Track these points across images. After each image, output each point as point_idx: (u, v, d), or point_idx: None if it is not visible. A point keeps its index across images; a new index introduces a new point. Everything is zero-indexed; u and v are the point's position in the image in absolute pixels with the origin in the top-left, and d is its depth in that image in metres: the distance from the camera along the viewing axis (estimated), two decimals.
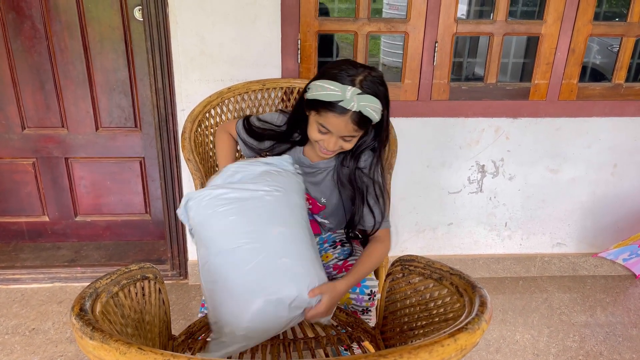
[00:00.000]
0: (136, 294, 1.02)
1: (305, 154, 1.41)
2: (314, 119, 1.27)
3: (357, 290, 1.34)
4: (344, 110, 1.19)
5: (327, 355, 1.18)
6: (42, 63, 2.02)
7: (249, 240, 1.10)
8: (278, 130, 1.42)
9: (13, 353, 1.78)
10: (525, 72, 2.15)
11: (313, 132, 1.29)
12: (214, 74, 1.86)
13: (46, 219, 2.30)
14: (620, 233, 2.23)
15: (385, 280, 1.19)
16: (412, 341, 1.02)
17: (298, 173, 1.30)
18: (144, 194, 2.27)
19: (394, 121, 1.71)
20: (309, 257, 1.14)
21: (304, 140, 1.40)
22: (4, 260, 2.21)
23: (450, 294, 0.96)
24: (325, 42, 3.04)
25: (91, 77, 2.05)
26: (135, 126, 2.15)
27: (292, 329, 1.25)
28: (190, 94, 1.88)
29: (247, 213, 1.13)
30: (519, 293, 2.18)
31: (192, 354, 1.15)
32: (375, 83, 1.22)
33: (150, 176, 2.24)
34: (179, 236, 2.13)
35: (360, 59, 1.91)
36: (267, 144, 1.43)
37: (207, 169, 1.57)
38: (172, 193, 2.05)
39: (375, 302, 1.35)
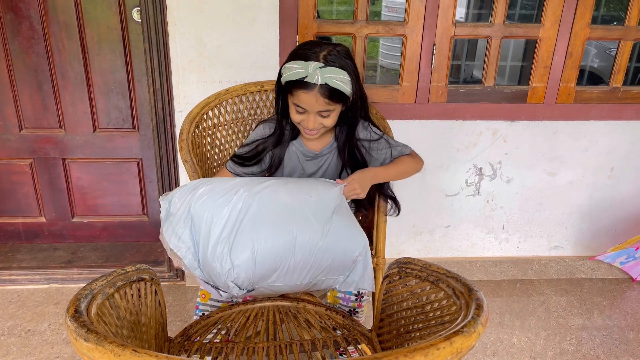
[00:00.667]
0: (132, 295, 1.01)
1: (308, 146, 1.44)
2: (291, 101, 1.32)
3: (344, 290, 1.34)
4: (310, 85, 1.24)
5: (323, 358, 1.18)
6: (40, 64, 2.01)
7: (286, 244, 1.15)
8: (268, 137, 1.45)
9: (9, 354, 1.77)
10: (523, 75, 2.16)
11: (293, 114, 1.34)
12: (212, 76, 1.85)
13: (43, 219, 2.30)
14: (617, 236, 2.23)
15: (382, 283, 1.19)
16: (408, 344, 1.02)
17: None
18: (142, 195, 2.27)
19: (391, 123, 1.71)
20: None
21: (297, 132, 1.43)
22: (0, 261, 2.21)
23: (446, 296, 0.96)
24: None
25: (89, 78, 2.05)
26: (133, 127, 2.14)
27: (289, 331, 1.24)
28: (188, 95, 1.88)
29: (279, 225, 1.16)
30: (516, 296, 2.18)
31: (188, 356, 1.15)
32: (339, 56, 1.27)
33: (147, 177, 2.23)
34: None
35: (358, 62, 1.92)
36: (266, 160, 1.45)
37: (204, 170, 1.57)
38: None
39: (363, 304, 1.34)
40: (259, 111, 1.73)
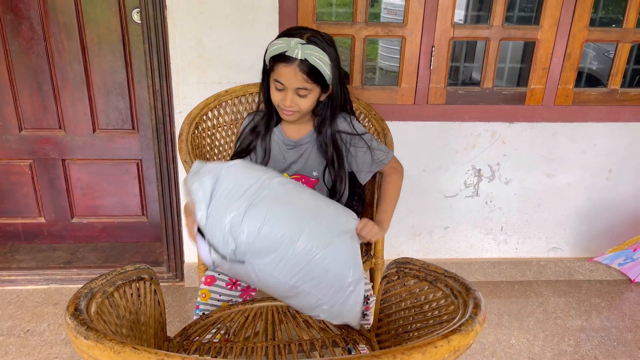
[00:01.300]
0: (131, 294, 1.02)
1: (287, 134, 1.47)
2: (272, 79, 1.36)
3: None
4: (290, 59, 1.29)
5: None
6: (40, 64, 2.02)
7: (302, 216, 1.15)
8: (254, 127, 1.49)
9: (8, 355, 1.78)
10: (522, 77, 2.17)
11: (273, 93, 1.38)
12: (212, 77, 1.86)
13: (42, 220, 2.30)
14: (616, 238, 2.24)
15: (380, 283, 1.20)
16: (407, 343, 1.02)
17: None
18: (141, 195, 2.27)
19: (390, 125, 1.72)
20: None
21: (278, 120, 1.47)
22: None
23: (444, 296, 0.96)
24: None
25: (89, 78, 2.05)
26: (133, 128, 2.15)
27: (288, 331, 1.25)
28: (187, 96, 1.88)
29: (281, 200, 1.16)
30: (515, 297, 2.19)
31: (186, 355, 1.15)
32: (322, 40, 1.32)
33: (147, 178, 2.24)
34: (175, 238, 2.13)
35: (357, 63, 1.92)
36: (259, 152, 1.48)
37: None
38: (169, 195, 2.05)
39: (371, 306, 1.35)
40: None
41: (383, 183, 1.48)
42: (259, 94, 1.48)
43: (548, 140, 2.06)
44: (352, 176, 1.50)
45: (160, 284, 1.84)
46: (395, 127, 1.77)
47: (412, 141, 2.02)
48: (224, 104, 1.68)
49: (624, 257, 2.16)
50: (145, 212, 2.31)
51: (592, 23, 1.92)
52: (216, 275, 1.36)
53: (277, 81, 1.34)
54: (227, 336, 1.24)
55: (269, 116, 1.47)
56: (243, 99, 1.70)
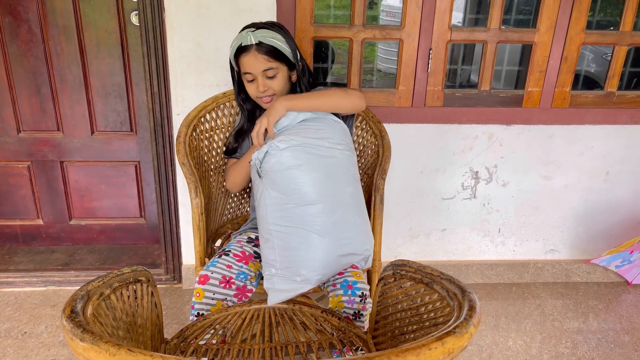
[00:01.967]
0: (128, 296, 1.02)
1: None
2: (243, 77, 1.48)
3: (349, 293, 1.34)
4: (247, 47, 1.41)
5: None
6: (38, 67, 2.02)
7: (330, 196, 1.31)
8: (240, 126, 1.60)
9: (5, 357, 1.78)
10: (519, 80, 2.17)
11: (248, 89, 1.49)
12: (210, 79, 1.87)
13: (40, 222, 2.30)
14: (613, 240, 2.24)
15: (377, 285, 1.20)
16: (402, 345, 1.03)
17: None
18: (139, 198, 2.28)
19: (388, 127, 1.72)
20: (366, 214, 1.42)
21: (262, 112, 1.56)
22: None
23: (440, 298, 0.97)
24: (322, 48, 3.06)
25: (87, 81, 2.06)
26: (131, 130, 2.15)
27: (285, 333, 1.25)
28: (185, 98, 1.89)
29: (327, 170, 1.32)
30: (512, 299, 2.19)
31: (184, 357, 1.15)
32: (272, 25, 1.46)
33: (145, 180, 2.24)
34: (173, 240, 2.13)
35: (355, 66, 1.93)
36: (247, 140, 1.59)
37: (201, 173, 1.58)
38: (167, 197, 2.05)
39: (368, 306, 1.35)
40: None
41: None
42: (235, 95, 1.60)
43: (545, 143, 2.07)
44: None
45: (158, 285, 1.84)
46: (393, 130, 1.78)
47: (410, 143, 2.03)
48: (221, 106, 1.68)
49: (621, 259, 2.17)
50: (143, 214, 2.31)
51: (589, 26, 1.93)
52: (209, 274, 1.37)
53: (246, 73, 1.45)
54: (224, 338, 1.24)
55: (245, 112, 1.59)
56: None
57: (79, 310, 0.79)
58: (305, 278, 1.29)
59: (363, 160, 1.70)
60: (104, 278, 0.95)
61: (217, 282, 1.36)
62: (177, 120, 1.91)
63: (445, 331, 0.71)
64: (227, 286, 1.37)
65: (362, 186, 1.56)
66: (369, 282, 1.59)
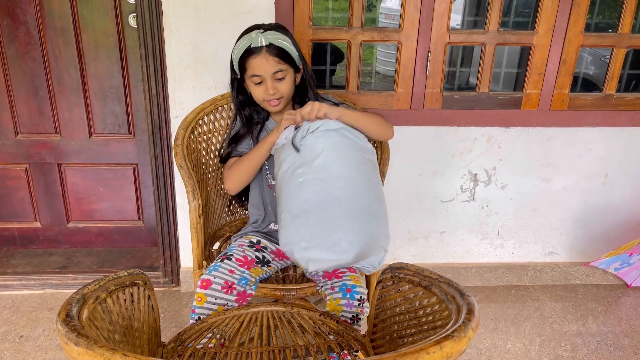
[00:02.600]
0: (125, 300, 1.01)
1: (276, 122, 1.55)
2: (248, 79, 1.45)
3: (348, 296, 1.34)
4: (257, 49, 1.39)
5: None
6: (36, 69, 2.02)
7: (370, 188, 1.34)
8: (239, 128, 1.58)
9: None
10: (518, 82, 2.17)
11: (254, 92, 1.47)
12: (208, 82, 1.86)
13: (38, 225, 2.29)
14: (612, 242, 2.24)
15: (375, 288, 1.19)
16: (401, 349, 1.02)
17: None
18: (137, 200, 2.27)
19: None
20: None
21: (266, 117, 1.57)
22: None
23: (439, 301, 0.96)
24: (321, 51, 3.06)
25: (85, 83, 2.05)
26: (129, 132, 2.15)
27: (283, 336, 1.25)
28: (183, 101, 1.88)
29: (367, 168, 1.35)
30: (511, 302, 2.18)
31: None
32: (277, 26, 1.45)
33: (143, 183, 2.23)
34: (171, 243, 2.13)
35: (353, 68, 1.93)
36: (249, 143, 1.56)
37: (199, 176, 1.57)
38: (165, 200, 2.05)
39: (365, 310, 1.35)
40: None
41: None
42: (233, 101, 1.58)
43: (544, 145, 2.07)
44: None
45: (156, 288, 1.83)
46: None
47: (408, 146, 2.02)
48: (220, 108, 1.68)
49: (620, 261, 2.16)
50: (141, 216, 2.31)
51: (588, 28, 1.93)
52: (212, 278, 1.36)
53: (254, 75, 1.42)
54: (222, 341, 1.23)
55: (242, 120, 1.56)
56: None
57: (74, 314, 0.78)
58: (344, 249, 1.26)
59: None
60: (101, 281, 0.95)
61: (219, 287, 1.36)
62: (175, 122, 1.90)
63: (443, 335, 0.71)
64: (229, 291, 1.36)
65: None
66: (367, 285, 1.59)
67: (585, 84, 3.18)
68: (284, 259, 1.55)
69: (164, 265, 2.17)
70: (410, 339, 1.03)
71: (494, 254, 2.26)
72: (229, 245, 1.57)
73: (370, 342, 1.22)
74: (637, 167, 2.13)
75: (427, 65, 1.92)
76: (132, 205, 2.28)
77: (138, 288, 1.06)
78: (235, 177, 1.52)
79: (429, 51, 1.90)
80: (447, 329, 0.75)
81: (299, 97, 1.56)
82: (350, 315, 1.34)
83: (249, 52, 1.40)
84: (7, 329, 1.92)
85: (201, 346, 1.20)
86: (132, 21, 1.95)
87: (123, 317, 0.99)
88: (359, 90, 1.97)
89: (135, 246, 2.36)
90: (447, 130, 2.02)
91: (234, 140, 1.56)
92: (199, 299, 1.36)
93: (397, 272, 1.13)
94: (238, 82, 1.52)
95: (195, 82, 1.86)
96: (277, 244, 1.47)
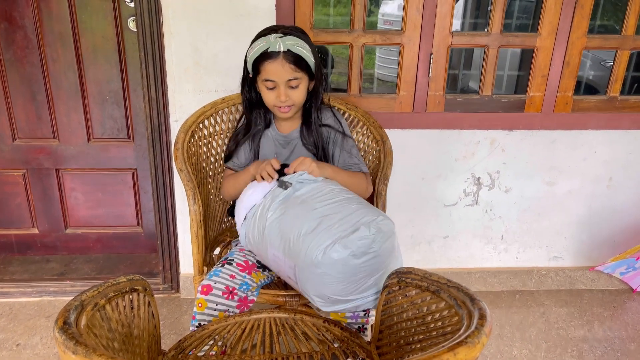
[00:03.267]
0: (124, 307, 0.98)
1: (280, 130, 1.54)
2: (261, 82, 1.41)
3: None
4: (274, 54, 1.34)
5: None
6: (34, 73, 2.00)
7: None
8: (242, 129, 1.55)
9: None
10: (521, 85, 2.15)
11: (265, 95, 1.43)
12: (208, 85, 1.84)
13: (36, 231, 2.26)
14: (617, 246, 2.21)
15: (381, 294, 1.17)
16: (408, 356, 0.99)
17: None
18: (136, 205, 2.24)
19: (389, 133, 1.70)
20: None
21: (269, 120, 1.54)
22: None
23: (448, 307, 0.93)
24: (320, 55, 3.04)
25: (84, 87, 2.03)
26: (128, 137, 2.12)
27: (286, 344, 1.22)
28: (183, 104, 1.86)
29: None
30: (516, 307, 2.15)
31: None
32: (296, 30, 1.41)
33: (142, 188, 2.21)
34: (171, 249, 2.10)
35: (355, 71, 1.91)
36: (247, 151, 1.54)
37: (199, 180, 1.55)
38: (165, 205, 2.02)
39: (371, 319, 1.32)
40: None
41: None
42: (242, 99, 1.54)
43: (548, 148, 2.05)
44: None
45: (156, 295, 1.80)
46: (394, 135, 1.75)
47: (411, 149, 2.00)
48: (220, 112, 1.66)
49: (625, 266, 2.14)
50: (140, 222, 2.28)
51: (591, 30, 1.91)
52: (212, 284, 1.33)
53: (267, 80, 1.38)
54: (224, 349, 1.20)
55: (249, 120, 1.53)
56: (239, 107, 1.68)
57: (72, 321, 0.75)
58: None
59: None
60: (99, 288, 0.92)
61: (220, 293, 1.33)
62: (175, 126, 1.88)
63: (456, 341, 0.68)
64: (230, 297, 1.34)
65: None
66: None
67: (585, 88, 3.16)
68: None
69: (164, 272, 2.14)
70: (418, 346, 1.00)
71: (498, 259, 2.23)
72: (230, 250, 1.54)
73: (375, 349, 1.19)
74: None
75: (429, 68, 1.90)
76: (131, 210, 2.25)
77: (138, 294, 1.03)
78: (229, 189, 1.54)
79: (431, 54, 1.88)
80: (459, 335, 0.72)
81: (308, 103, 1.51)
82: (356, 327, 1.32)
83: (265, 56, 1.35)
84: (4, 336, 1.88)
85: (202, 354, 1.18)
86: (131, 24, 1.93)
87: (122, 325, 0.96)
88: (361, 94, 1.95)
89: (134, 252, 2.33)
90: (449, 133, 1.99)
91: (235, 140, 1.55)
92: (200, 304, 1.34)
93: (404, 277, 1.10)
94: (250, 81, 1.48)
95: (195, 86, 1.84)
96: None
